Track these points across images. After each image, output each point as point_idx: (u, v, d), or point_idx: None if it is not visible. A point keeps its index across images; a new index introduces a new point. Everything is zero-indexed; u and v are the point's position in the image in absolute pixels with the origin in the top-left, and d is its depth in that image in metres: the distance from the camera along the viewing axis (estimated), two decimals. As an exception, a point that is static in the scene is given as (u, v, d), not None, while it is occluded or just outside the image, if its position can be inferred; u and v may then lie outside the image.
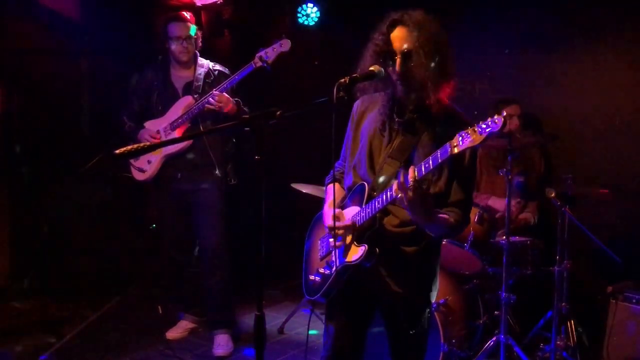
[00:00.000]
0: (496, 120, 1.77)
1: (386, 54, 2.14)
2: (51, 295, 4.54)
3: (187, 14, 4.07)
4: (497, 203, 4.08)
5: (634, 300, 3.54)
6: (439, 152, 1.90)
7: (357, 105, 2.44)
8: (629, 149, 4.08)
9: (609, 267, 3.75)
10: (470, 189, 2.24)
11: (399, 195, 1.96)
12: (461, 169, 2.14)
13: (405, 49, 2.11)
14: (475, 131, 1.80)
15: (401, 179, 1.94)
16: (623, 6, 4.08)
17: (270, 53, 3.69)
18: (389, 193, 2.05)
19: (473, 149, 1.97)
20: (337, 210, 2.26)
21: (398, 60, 2.11)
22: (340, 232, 2.24)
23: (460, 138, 1.83)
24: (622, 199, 3.95)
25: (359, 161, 2.33)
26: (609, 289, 3.68)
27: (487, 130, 1.78)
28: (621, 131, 4.13)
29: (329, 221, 2.28)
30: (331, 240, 2.34)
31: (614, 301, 3.63)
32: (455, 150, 1.83)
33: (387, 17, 2.18)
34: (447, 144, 1.86)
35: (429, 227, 2.14)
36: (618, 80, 4.16)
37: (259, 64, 3.71)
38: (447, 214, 2.13)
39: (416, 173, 1.92)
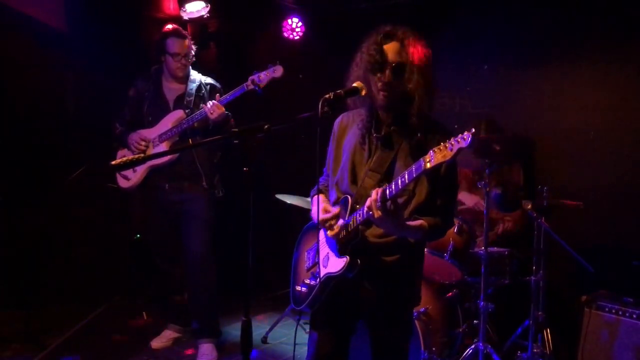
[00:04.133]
0: (465, 137, 1.85)
1: (378, 64, 2.20)
2: (35, 305, 4.52)
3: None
4: (468, 199, 4.19)
5: (606, 309, 3.63)
6: (413, 167, 1.99)
7: (337, 122, 2.52)
8: (602, 163, 4.20)
9: (583, 277, 3.85)
10: (450, 195, 2.33)
11: (370, 212, 2.06)
12: (439, 178, 2.22)
13: (398, 62, 2.19)
14: (445, 147, 1.89)
15: (373, 196, 2.04)
16: (600, 28, 4.22)
17: (263, 77, 3.72)
18: (365, 209, 2.13)
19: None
20: (323, 205, 2.35)
21: (388, 72, 2.19)
22: (333, 222, 2.32)
23: (433, 153, 1.92)
24: (596, 211, 4.07)
25: (341, 176, 2.40)
26: (583, 298, 3.76)
27: (457, 146, 1.87)
28: (595, 146, 4.24)
29: (320, 216, 2.33)
30: (321, 239, 2.41)
31: (588, 310, 3.71)
32: (428, 165, 1.93)
33: (380, 29, 2.25)
34: (421, 159, 1.96)
35: (401, 236, 2.24)
36: (593, 98, 4.28)
37: (251, 86, 3.75)
38: (420, 220, 2.21)
39: (387, 193, 2.03)
